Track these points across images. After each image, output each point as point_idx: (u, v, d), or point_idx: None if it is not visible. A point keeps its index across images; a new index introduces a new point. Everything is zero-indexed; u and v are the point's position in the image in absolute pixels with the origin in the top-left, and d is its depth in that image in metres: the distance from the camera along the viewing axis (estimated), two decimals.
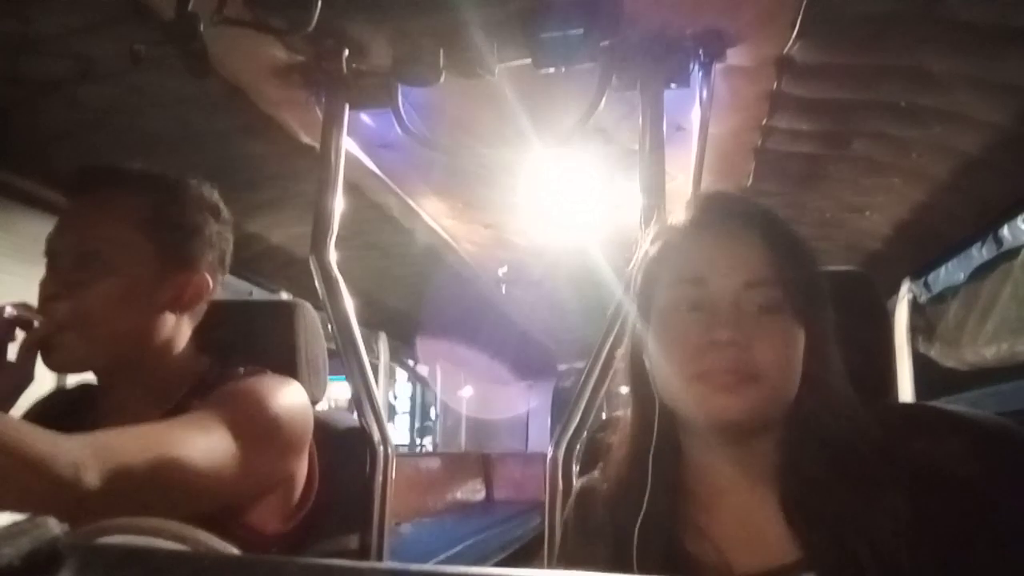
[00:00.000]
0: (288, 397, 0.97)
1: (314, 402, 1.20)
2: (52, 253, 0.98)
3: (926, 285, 2.19)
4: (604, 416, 1.19)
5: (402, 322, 3.56)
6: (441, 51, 1.24)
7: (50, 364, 0.96)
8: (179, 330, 1.04)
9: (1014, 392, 3.34)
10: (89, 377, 1.05)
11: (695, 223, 0.77)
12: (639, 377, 0.79)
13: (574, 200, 2.04)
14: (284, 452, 0.95)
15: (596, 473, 0.87)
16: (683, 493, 0.76)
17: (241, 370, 1.03)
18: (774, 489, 0.73)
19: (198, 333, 1.08)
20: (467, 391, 6.28)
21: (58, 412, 1.05)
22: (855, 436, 0.70)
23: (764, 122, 1.54)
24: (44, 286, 0.96)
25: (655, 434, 0.77)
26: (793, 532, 0.69)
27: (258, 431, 0.90)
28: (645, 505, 0.74)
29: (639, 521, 0.73)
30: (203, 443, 0.83)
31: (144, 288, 0.98)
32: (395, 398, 7.21)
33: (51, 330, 0.93)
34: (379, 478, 1.28)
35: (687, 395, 0.73)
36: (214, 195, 1.08)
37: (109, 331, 0.96)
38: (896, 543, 0.64)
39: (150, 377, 1.01)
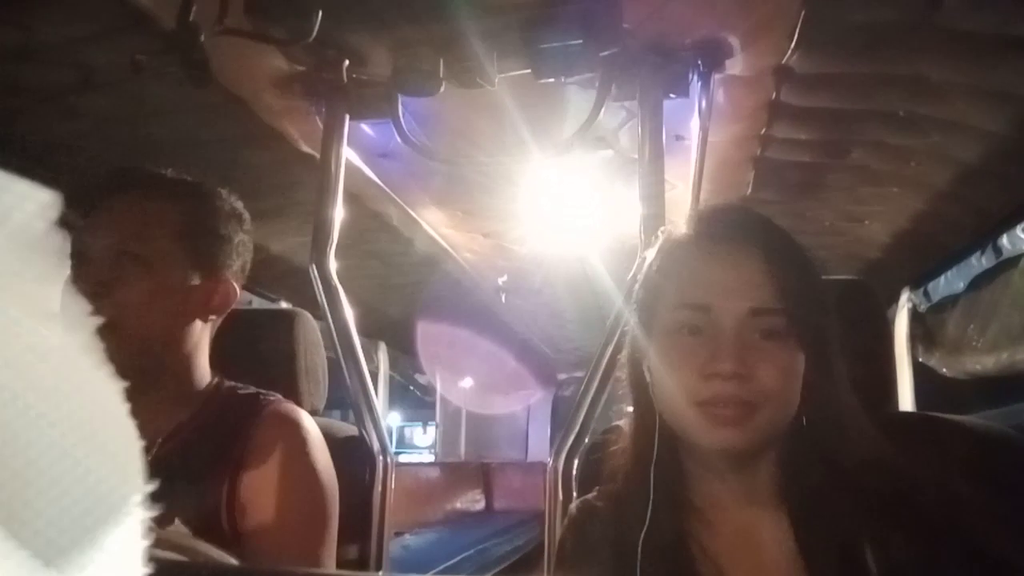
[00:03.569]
0: (319, 441, 1.05)
1: (313, 412, 1.20)
2: (84, 250, 0.94)
3: (926, 294, 2.18)
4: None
5: (402, 331, 3.55)
6: (441, 62, 1.24)
7: None
8: (203, 338, 1.04)
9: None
10: None
11: (699, 240, 0.76)
12: (640, 390, 0.78)
13: (574, 208, 2.04)
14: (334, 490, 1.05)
15: (592, 494, 0.86)
16: (686, 508, 0.75)
17: (261, 396, 1.06)
18: (777, 506, 0.72)
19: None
20: (467, 382, 6.33)
21: None
22: (857, 450, 0.69)
23: (763, 131, 1.54)
24: (75, 283, 0.95)
25: (656, 448, 0.76)
26: (797, 550, 0.69)
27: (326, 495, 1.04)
28: (649, 520, 0.73)
29: (642, 536, 0.72)
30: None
31: (176, 294, 0.98)
32: None
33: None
34: (379, 487, 1.27)
35: (687, 421, 0.72)
36: (239, 204, 1.08)
37: (142, 334, 0.94)
38: (900, 556, 0.64)
39: (171, 384, 1.00)
